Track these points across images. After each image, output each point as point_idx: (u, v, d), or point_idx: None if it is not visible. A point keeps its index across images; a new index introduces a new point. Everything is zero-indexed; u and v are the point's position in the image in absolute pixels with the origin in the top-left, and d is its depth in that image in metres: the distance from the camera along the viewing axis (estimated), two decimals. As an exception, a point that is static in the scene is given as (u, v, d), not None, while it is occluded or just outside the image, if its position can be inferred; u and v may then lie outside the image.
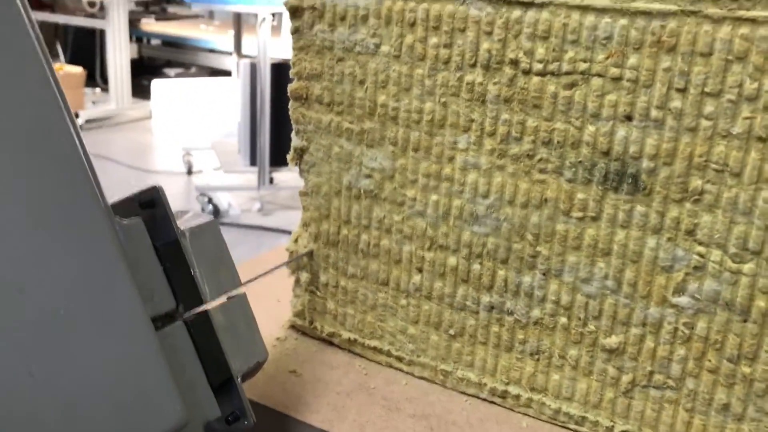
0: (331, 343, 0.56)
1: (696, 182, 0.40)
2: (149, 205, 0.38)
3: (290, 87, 0.52)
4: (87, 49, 4.34)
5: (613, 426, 0.46)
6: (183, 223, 0.40)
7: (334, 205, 0.52)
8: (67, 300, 0.31)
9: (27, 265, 0.30)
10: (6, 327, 0.29)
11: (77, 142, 0.33)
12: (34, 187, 0.31)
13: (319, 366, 0.53)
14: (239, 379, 0.40)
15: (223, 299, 0.42)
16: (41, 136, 0.31)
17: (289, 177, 2.96)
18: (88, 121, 3.76)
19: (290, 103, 0.52)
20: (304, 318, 0.56)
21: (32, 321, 0.30)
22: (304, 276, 0.55)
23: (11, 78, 0.31)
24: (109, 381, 0.32)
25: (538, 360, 0.48)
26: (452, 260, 0.49)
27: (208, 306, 0.40)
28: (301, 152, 0.53)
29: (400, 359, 0.53)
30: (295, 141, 0.53)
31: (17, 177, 0.30)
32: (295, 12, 0.50)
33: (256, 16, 2.71)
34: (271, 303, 0.60)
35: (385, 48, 0.47)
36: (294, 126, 0.53)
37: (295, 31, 0.50)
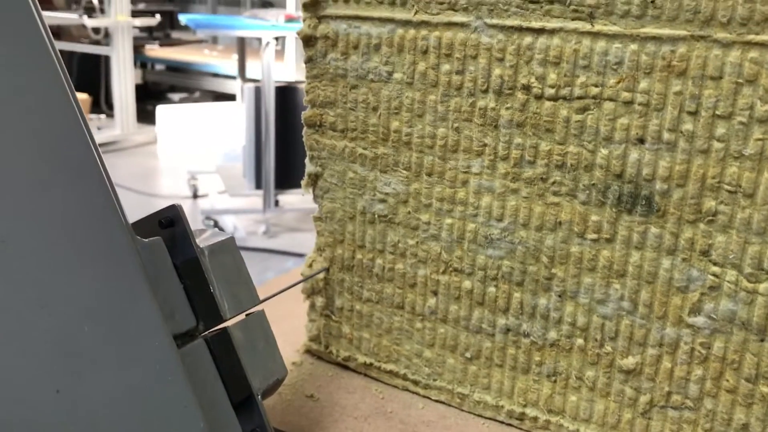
0: (347, 368, 0.56)
1: (709, 203, 0.41)
2: (169, 224, 0.39)
3: (304, 114, 0.52)
4: (92, 76, 4.38)
5: (631, 447, 0.46)
6: (202, 242, 0.40)
7: (349, 230, 0.53)
8: (91, 318, 0.32)
9: (50, 283, 0.31)
10: (32, 344, 0.30)
11: (99, 163, 0.33)
12: (57, 208, 0.32)
13: (336, 390, 0.53)
14: (259, 397, 0.41)
15: (242, 316, 0.42)
16: (65, 159, 0.32)
17: (294, 199, 2.97)
18: (93, 147, 3.78)
19: (304, 130, 0.53)
20: (319, 342, 0.57)
21: (57, 338, 0.30)
22: (319, 300, 0.56)
23: (38, 104, 0.32)
24: (132, 399, 0.32)
25: (555, 382, 0.48)
26: (467, 283, 0.49)
27: (228, 323, 0.41)
28: (315, 178, 0.54)
29: (416, 383, 0.53)
30: (310, 167, 0.53)
31: (42, 198, 0.31)
32: (308, 41, 0.51)
33: (259, 40, 2.74)
34: (287, 328, 0.61)
35: (397, 75, 0.48)
36: (308, 152, 0.53)
37: (309, 60, 0.51)
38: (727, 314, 0.42)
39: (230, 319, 0.41)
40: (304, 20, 0.50)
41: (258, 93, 2.82)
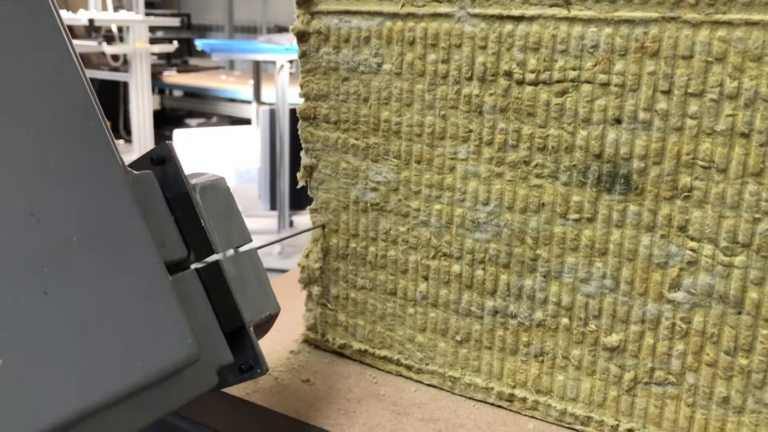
0: (343, 355, 0.57)
1: (685, 179, 0.42)
2: (160, 161, 0.40)
3: (299, 108, 0.54)
4: (111, 102, 4.46)
5: (618, 425, 0.47)
6: (194, 180, 0.42)
7: (343, 219, 0.55)
8: (80, 230, 0.33)
9: (39, 194, 0.32)
10: (20, 245, 0.31)
11: (94, 102, 0.36)
12: (48, 130, 0.33)
13: (331, 376, 0.54)
14: (251, 329, 0.41)
15: (232, 252, 0.43)
16: (57, 88, 0.34)
17: (308, 220, 2.98)
18: (112, 171, 3.84)
19: (299, 123, 0.55)
20: (316, 331, 0.58)
21: (45, 243, 0.31)
22: (316, 290, 0.57)
23: (33, 41, 0.34)
24: (120, 309, 0.33)
25: (542, 362, 0.49)
26: (456, 267, 0.50)
27: (219, 256, 0.42)
28: (310, 170, 0.55)
29: (409, 368, 0.54)
30: (305, 159, 0.55)
31: (35, 121, 0.33)
32: (302, 37, 0.53)
33: (274, 63, 2.79)
34: (284, 317, 0.62)
35: (387, 66, 0.50)
36: (303, 145, 0.55)
37: (303, 55, 0.53)
38: (705, 288, 0.43)
39: (221, 253, 0.42)
40: (297, 17, 0.53)
41: (273, 116, 2.86)
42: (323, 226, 0.56)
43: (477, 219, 0.49)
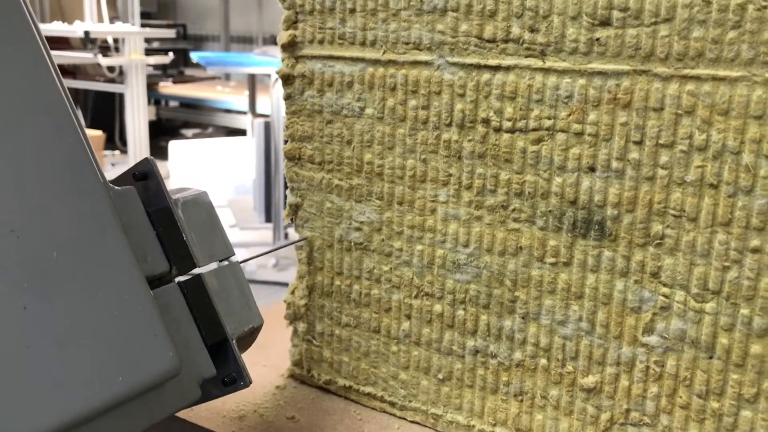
0: (328, 391, 0.58)
1: (657, 227, 0.43)
2: (142, 177, 0.41)
3: (284, 148, 0.56)
4: (107, 113, 4.47)
5: (595, 463, 0.48)
6: (176, 195, 0.43)
7: (327, 258, 0.56)
8: (60, 246, 0.33)
9: (20, 210, 0.32)
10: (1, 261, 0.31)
11: (73, 118, 0.36)
12: (29, 147, 0.34)
13: (317, 413, 0.55)
14: (234, 341, 0.42)
15: (215, 265, 0.44)
16: (37, 104, 0.35)
17: (303, 232, 2.99)
18: (108, 183, 3.84)
19: (285, 163, 0.56)
20: (302, 367, 0.59)
21: (25, 259, 0.32)
22: (301, 326, 0.58)
23: (11, 54, 0.34)
24: (100, 323, 0.33)
25: (521, 401, 0.50)
26: (438, 307, 0.51)
27: (201, 270, 0.42)
28: (295, 208, 0.56)
29: (393, 404, 0.55)
30: (290, 198, 0.56)
31: (16, 137, 0.33)
32: (286, 80, 0.54)
33: (269, 76, 2.80)
34: (271, 352, 0.63)
35: (369, 111, 0.51)
36: (289, 184, 0.56)
37: (288, 97, 0.55)
38: (677, 333, 0.44)
39: (203, 267, 0.42)
40: (282, 60, 0.54)
41: (268, 128, 2.87)
42: (306, 239, 0.56)
43: (457, 260, 0.50)
